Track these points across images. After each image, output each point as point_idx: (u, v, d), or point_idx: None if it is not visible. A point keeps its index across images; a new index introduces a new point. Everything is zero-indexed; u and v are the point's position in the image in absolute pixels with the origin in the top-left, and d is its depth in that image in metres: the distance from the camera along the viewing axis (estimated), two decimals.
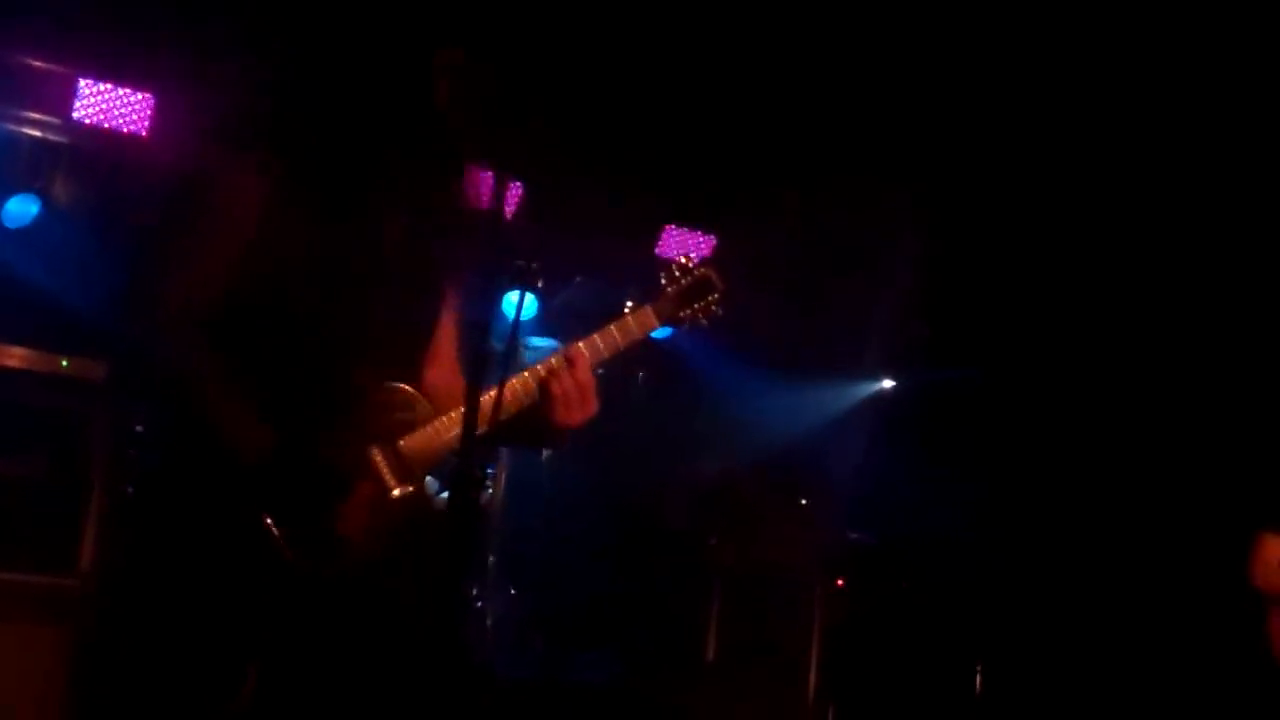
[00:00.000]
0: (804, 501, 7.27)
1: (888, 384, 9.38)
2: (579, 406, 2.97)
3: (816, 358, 8.71)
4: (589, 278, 7.95)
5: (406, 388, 2.92)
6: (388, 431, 2.86)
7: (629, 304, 3.10)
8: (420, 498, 2.88)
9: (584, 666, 7.00)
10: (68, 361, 5.64)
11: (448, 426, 2.89)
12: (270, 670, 2.78)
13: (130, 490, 6.36)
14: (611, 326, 3.05)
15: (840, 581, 7.03)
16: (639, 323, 3.08)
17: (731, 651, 6.76)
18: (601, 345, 3.04)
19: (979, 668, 7.30)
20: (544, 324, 7.51)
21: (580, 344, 3.02)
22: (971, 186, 7.67)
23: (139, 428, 6.46)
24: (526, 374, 2.94)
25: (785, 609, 6.87)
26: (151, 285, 2.76)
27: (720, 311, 3.18)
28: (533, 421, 2.97)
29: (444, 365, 3.08)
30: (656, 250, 8.20)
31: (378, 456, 2.83)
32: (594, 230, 7.70)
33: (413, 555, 2.85)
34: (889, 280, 8.54)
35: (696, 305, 3.16)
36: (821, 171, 7.71)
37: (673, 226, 8.20)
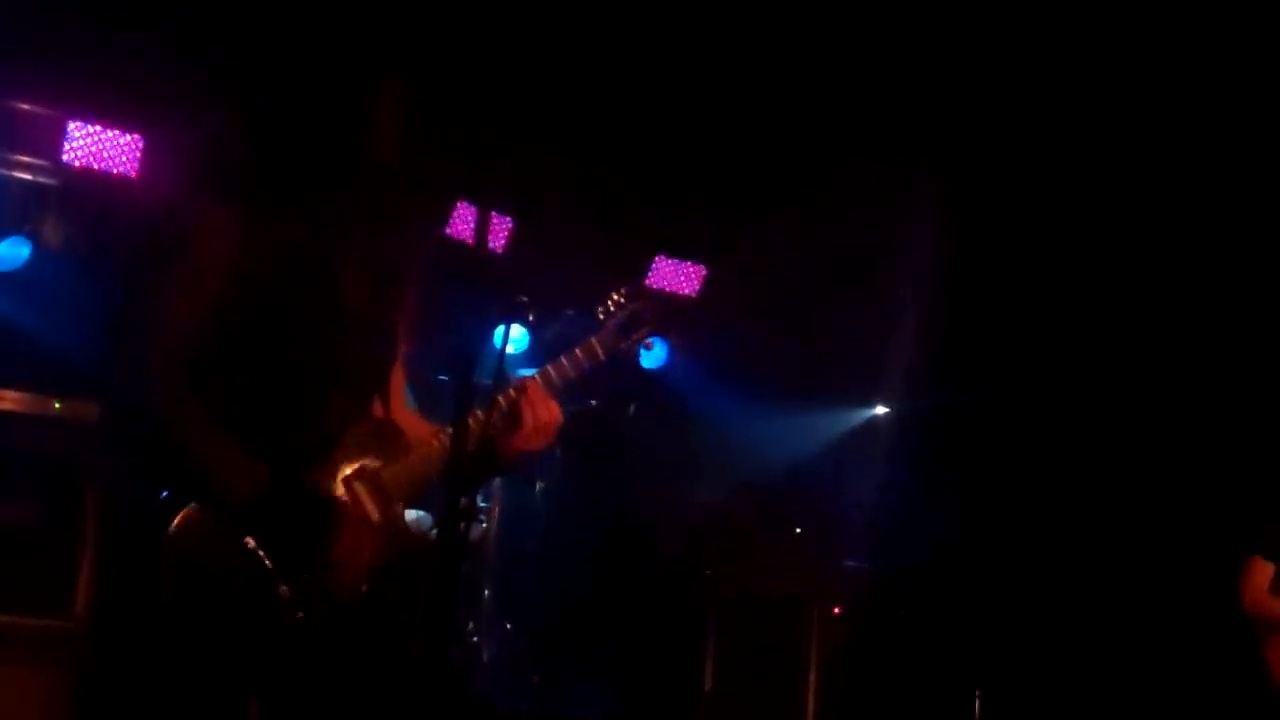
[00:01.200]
0: (799, 530, 7.26)
1: (882, 410, 9.38)
2: (538, 433, 3.09)
3: (810, 385, 8.72)
4: (580, 310, 7.95)
5: (383, 422, 3.01)
6: (368, 464, 2.93)
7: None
8: (402, 528, 2.96)
9: (581, 699, 6.98)
10: (60, 404, 5.64)
11: (424, 458, 2.99)
12: (270, 703, 2.83)
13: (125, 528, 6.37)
14: (562, 358, 3.20)
15: (837, 609, 7.01)
16: (586, 354, 3.24)
17: (728, 681, 6.73)
18: (554, 375, 3.17)
19: (978, 694, 7.28)
20: (535, 356, 7.52)
21: (535, 375, 3.15)
22: (964, 211, 7.69)
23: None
24: (491, 409, 3.05)
25: (782, 637, 6.86)
26: (134, 331, 2.83)
27: (651, 345, 3.36)
28: (494, 450, 3.08)
29: (396, 399, 3.15)
30: (648, 281, 8.22)
31: (359, 488, 2.90)
32: (584, 262, 7.71)
33: (400, 585, 2.92)
34: (883, 306, 8.57)
35: (634, 336, 3.33)
36: (811, 198, 7.74)
37: (663, 257, 8.22)
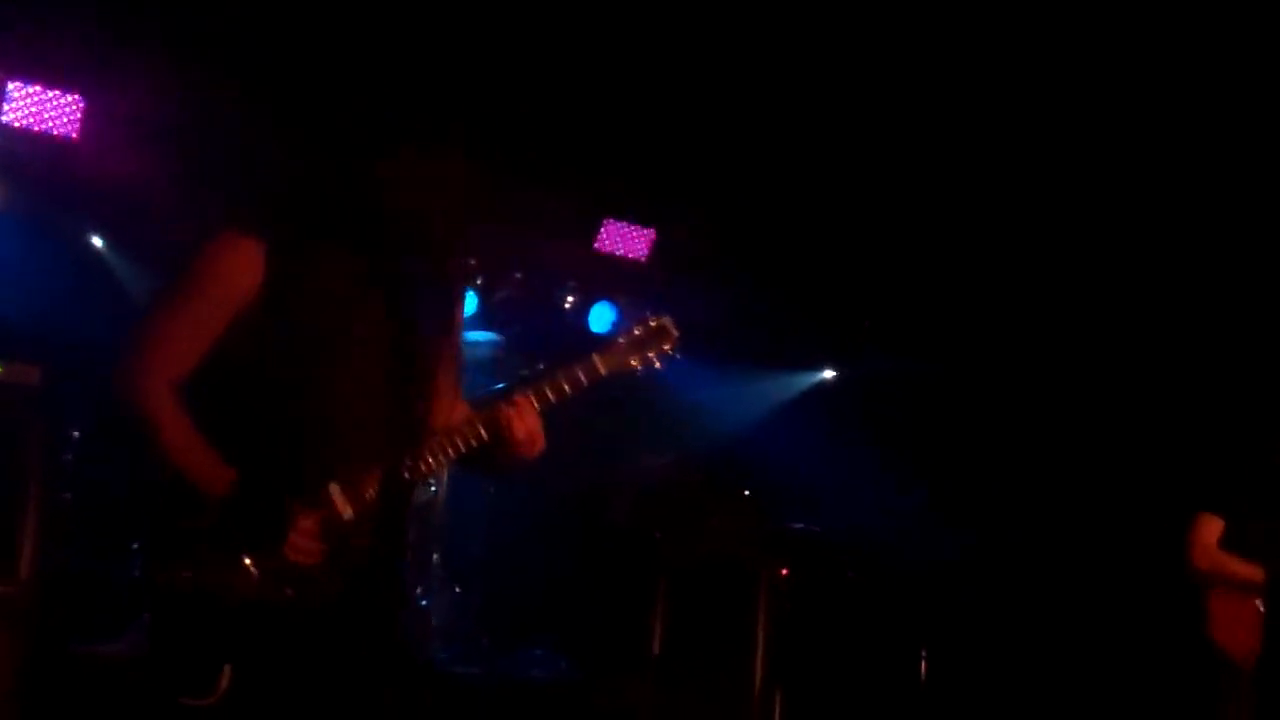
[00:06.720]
0: (747, 492, 7.28)
1: (830, 374, 9.43)
2: (526, 447, 3.27)
3: (758, 349, 8.74)
4: (529, 273, 7.94)
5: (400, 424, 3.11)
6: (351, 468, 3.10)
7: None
8: (374, 526, 3.09)
9: (530, 663, 7.00)
10: (2, 367, 5.57)
11: (440, 446, 3.20)
12: (243, 670, 3.03)
13: (68, 496, 6.32)
14: (559, 374, 3.33)
15: (785, 571, 7.04)
16: (585, 371, 3.35)
17: (677, 644, 6.76)
18: (550, 393, 3.30)
19: (924, 654, 7.35)
20: (484, 319, 7.49)
21: (529, 392, 3.29)
22: (912, 177, 7.72)
23: (75, 434, 6.42)
24: (478, 417, 3.24)
25: (730, 600, 6.88)
26: (135, 352, 3.09)
27: (674, 355, 3.47)
28: (484, 456, 3.28)
29: (444, 399, 3.30)
30: (596, 245, 8.19)
31: (334, 489, 3.08)
32: (533, 225, 7.68)
33: (376, 575, 3.09)
34: (832, 270, 8.59)
35: (649, 352, 3.43)
36: (759, 162, 7.74)
37: (612, 220, 8.19)
